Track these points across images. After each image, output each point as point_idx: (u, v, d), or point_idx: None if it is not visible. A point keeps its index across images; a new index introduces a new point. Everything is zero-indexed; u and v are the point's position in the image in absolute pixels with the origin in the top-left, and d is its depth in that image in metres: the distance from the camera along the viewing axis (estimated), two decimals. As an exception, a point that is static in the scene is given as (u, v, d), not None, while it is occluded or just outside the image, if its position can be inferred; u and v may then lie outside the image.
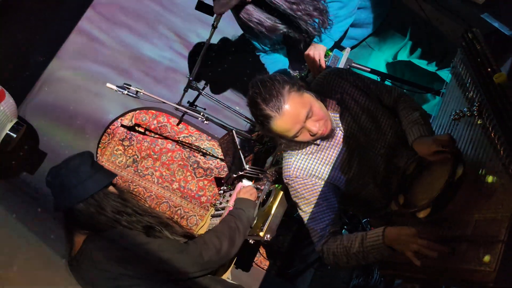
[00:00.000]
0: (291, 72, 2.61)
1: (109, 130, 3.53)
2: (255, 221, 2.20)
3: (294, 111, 1.59)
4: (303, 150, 1.79)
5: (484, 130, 1.41)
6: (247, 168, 2.47)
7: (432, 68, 2.61)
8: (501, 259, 1.11)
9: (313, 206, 1.73)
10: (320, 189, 1.75)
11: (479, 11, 1.82)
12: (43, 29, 3.43)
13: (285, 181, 1.82)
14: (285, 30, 2.30)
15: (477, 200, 1.28)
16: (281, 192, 2.17)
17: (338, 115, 1.78)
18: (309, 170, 1.77)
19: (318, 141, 1.76)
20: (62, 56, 3.49)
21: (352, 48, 2.51)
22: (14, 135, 2.83)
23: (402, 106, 1.82)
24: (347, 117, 1.79)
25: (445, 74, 2.55)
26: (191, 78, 2.88)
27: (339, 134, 1.78)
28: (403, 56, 2.62)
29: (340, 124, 1.78)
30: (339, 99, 1.80)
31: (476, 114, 1.48)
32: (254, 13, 2.21)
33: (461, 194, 1.34)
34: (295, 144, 1.78)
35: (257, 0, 2.19)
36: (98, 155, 3.49)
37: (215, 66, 3.69)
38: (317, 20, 2.23)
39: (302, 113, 1.59)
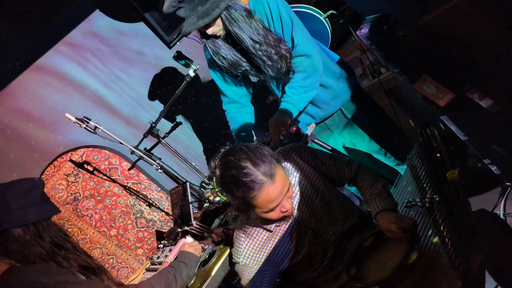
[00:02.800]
0: (254, 136, 2.63)
1: (56, 162, 3.37)
2: (193, 281, 2.10)
3: (282, 181, 1.54)
4: (257, 237, 1.77)
5: (434, 222, 1.46)
6: (194, 224, 2.39)
7: (391, 163, 2.70)
8: None
9: (256, 283, 1.78)
10: (267, 274, 1.78)
11: (439, 113, 1.94)
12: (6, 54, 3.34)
13: (233, 260, 1.83)
14: (247, 68, 2.39)
15: (422, 288, 1.29)
16: (225, 255, 2.10)
17: (293, 200, 1.76)
18: (259, 260, 1.77)
19: (272, 227, 1.74)
20: (23, 80, 3.37)
21: None
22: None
23: (363, 177, 1.83)
24: (301, 201, 1.77)
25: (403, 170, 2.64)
26: (153, 124, 2.86)
27: (291, 219, 1.75)
28: (362, 147, 2.69)
29: (294, 209, 1.75)
30: (295, 182, 1.79)
31: (427, 206, 1.54)
32: (222, 46, 2.31)
33: (409, 280, 1.35)
34: (248, 226, 1.76)
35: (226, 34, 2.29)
36: (38, 186, 3.29)
37: (178, 116, 3.70)
38: (278, 66, 2.32)
39: (286, 185, 1.56)
